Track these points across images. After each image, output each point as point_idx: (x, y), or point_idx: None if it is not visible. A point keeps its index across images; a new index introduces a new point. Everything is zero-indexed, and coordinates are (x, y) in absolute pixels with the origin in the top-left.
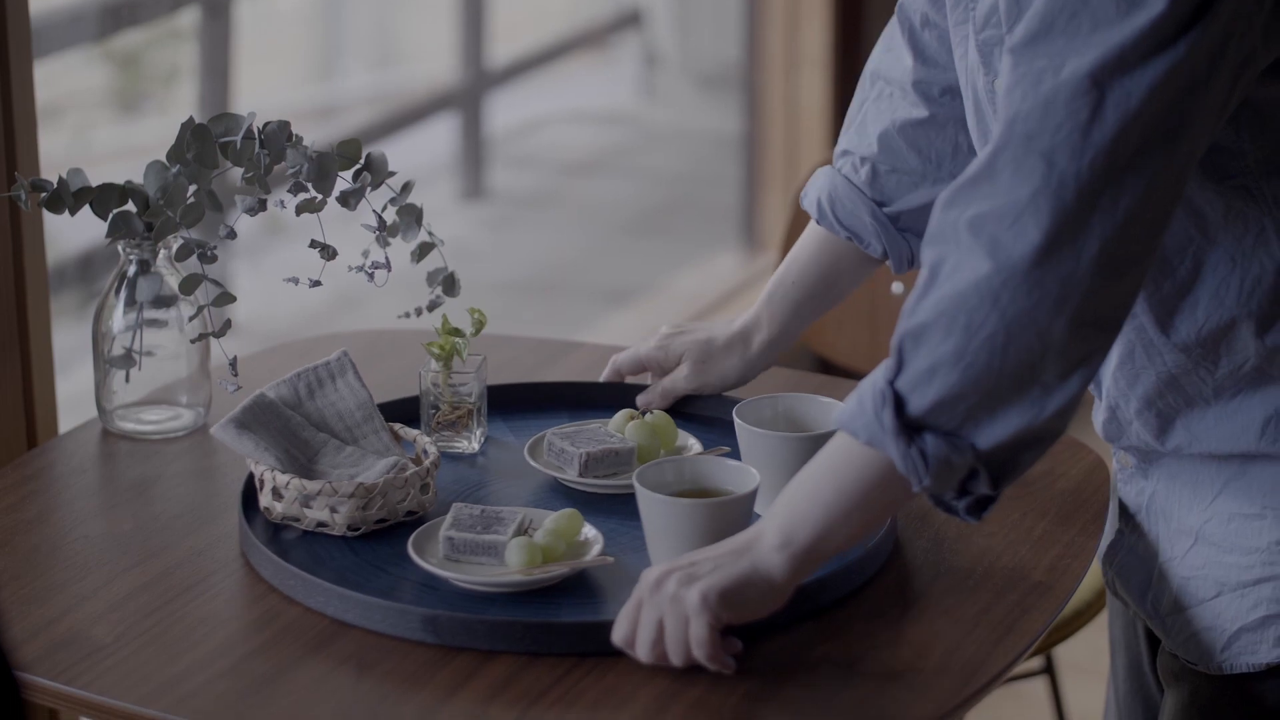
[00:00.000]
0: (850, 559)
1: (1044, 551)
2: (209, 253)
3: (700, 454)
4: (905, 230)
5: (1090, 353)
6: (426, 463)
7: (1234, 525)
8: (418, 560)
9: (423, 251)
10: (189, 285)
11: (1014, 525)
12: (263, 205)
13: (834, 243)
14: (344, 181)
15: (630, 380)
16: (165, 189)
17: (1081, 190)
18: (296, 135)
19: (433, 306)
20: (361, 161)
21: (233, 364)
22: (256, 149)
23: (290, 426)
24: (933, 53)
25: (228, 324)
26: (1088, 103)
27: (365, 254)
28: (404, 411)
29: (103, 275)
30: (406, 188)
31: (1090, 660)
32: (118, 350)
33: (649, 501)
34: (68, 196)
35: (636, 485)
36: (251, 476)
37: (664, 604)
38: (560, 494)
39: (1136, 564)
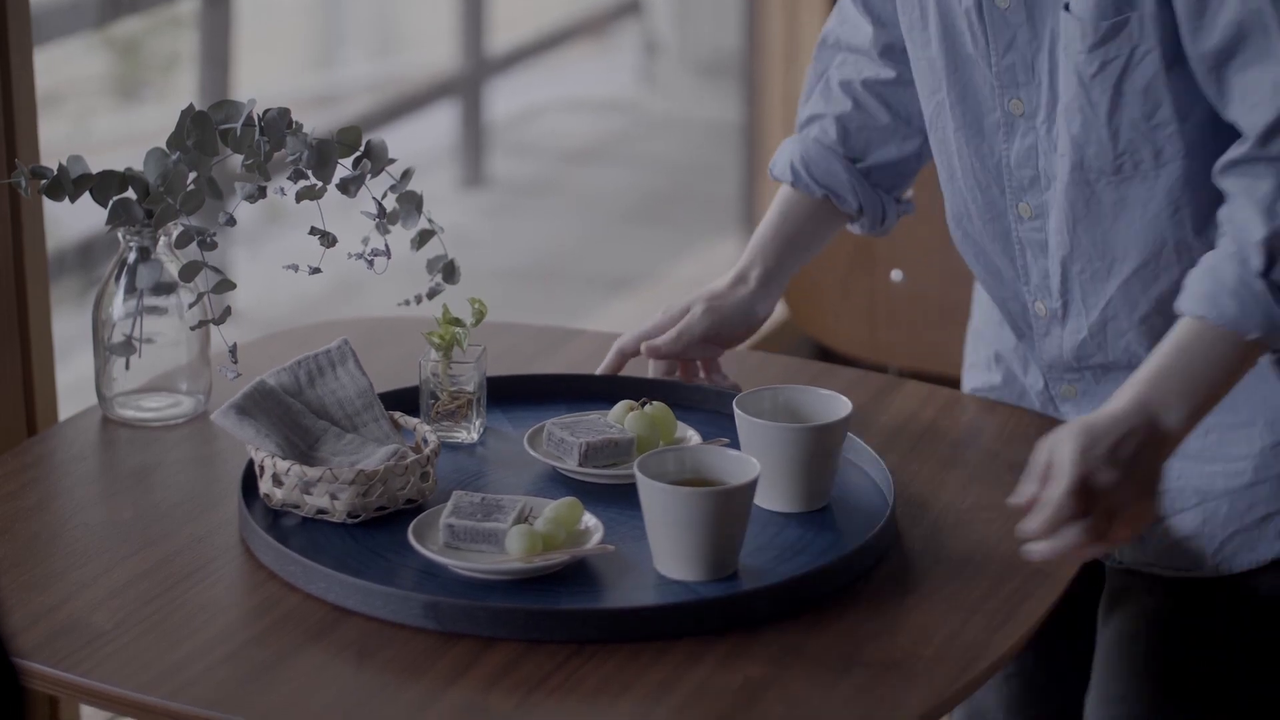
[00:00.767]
0: (849, 548)
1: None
2: (209, 240)
3: (701, 444)
4: (878, 186)
5: None
6: (426, 450)
7: (1214, 437)
8: (418, 547)
9: (423, 239)
10: (189, 272)
11: (1013, 512)
12: (263, 192)
13: (808, 202)
14: (344, 169)
15: (626, 374)
16: (165, 176)
17: None
18: (296, 122)
19: (432, 294)
20: (361, 149)
21: (233, 351)
22: (256, 136)
23: (290, 413)
24: (889, 16)
25: (228, 311)
26: None
27: (365, 241)
28: (403, 401)
29: (103, 262)
30: (406, 175)
31: None
32: (118, 337)
33: (650, 490)
34: (68, 183)
35: (638, 474)
36: (251, 463)
37: (1120, 493)
38: (559, 484)
39: None
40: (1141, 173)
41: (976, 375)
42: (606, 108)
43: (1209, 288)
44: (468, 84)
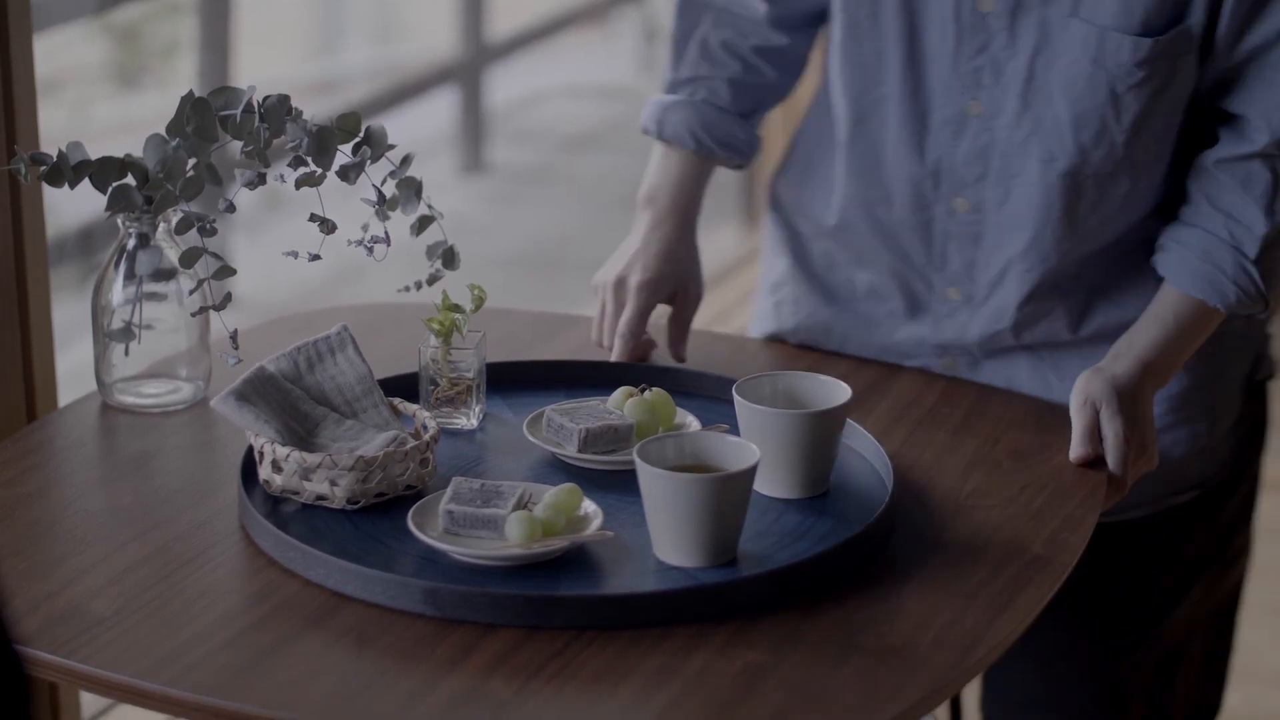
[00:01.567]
0: (849, 534)
1: (1042, 525)
2: (209, 226)
3: (700, 430)
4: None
5: None
6: (426, 437)
7: None
8: (418, 533)
9: (422, 225)
10: (189, 258)
11: (1012, 498)
12: (262, 179)
13: (699, 161)
14: (344, 155)
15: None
16: (165, 162)
17: None
18: (296, 109)
19: (432, 280)
20: (361, 135)
21: (233, 337)
22: (256, 123)
23: (290, 400)
24: None
25: (228, 297)
26: None
27: (365, 228)
28: (403, 387)
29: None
30: (406, 161)
31: None
32: (117, 324)
33: (650, 476)
34: (67, 170)
35: (637, 460)
36: (251, 449)
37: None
38: (559, 470)
39: None
40: (1136, 173)
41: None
42: (607, 94)
43: (1210, 274)
44: (468, 70)
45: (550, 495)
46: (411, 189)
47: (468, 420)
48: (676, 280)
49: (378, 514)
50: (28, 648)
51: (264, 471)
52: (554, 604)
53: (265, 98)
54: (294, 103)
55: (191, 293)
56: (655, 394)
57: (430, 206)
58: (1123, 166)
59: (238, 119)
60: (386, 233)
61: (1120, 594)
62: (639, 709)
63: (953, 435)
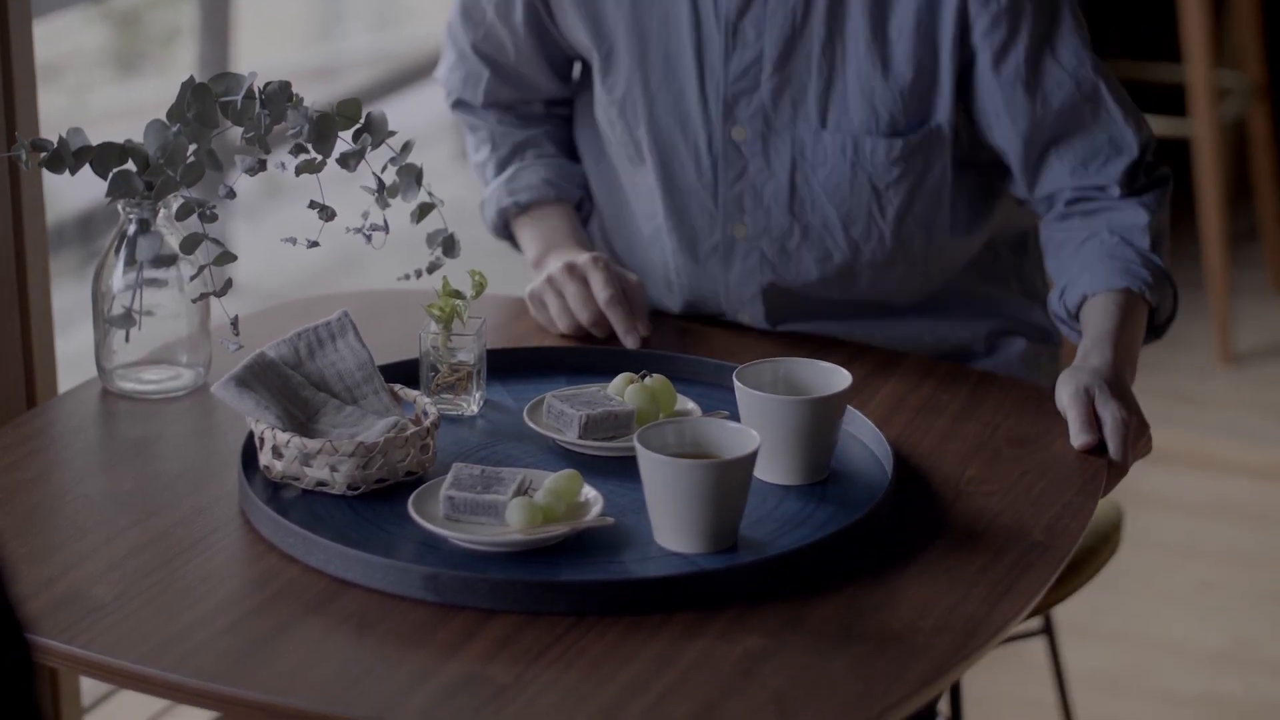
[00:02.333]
0: (849, 520)
1: (1043, 511)
2: (209, 212)
3: (701, 416)
4: None
5: None
6: (426, 423)
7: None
8: (418, 519)
9: (423, 212)
10: (189, 244)
11: (1012, 484)
12: (263, 165)
13: (564, 210)
14: (344, 142)
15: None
16: (165, 148)
17: None
18: (297, 95)
19: (433, 268)
20: (361, 122)
21: (234, 323)
22: (257, 109)
23: (290, 386)
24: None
25: (228, 283)
26: None
27: (365, 216)
28: (404, 373)
29: (102, 235)
30: (406, 148)
31: (1089, 621)
32: (117, 310)
33: (650, 462)
34: (68, 156)
35: (638, 446)
36: (251, 435)
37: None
38: (559, 456)
39: None
40: (910, 259)
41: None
42: None
43: (1120, 265)
44: None
45: (550, 481)
46: (412, 176)
47: (468, 406)
48: (616, 273)
49: (378, 500)
50: (28, 633)
51: (264, 457)
52: (554, 590)
53: (266, 84)
54: (294, 89)
55: (192, 279)
56: (656, 380)
57: (431, 194)
58: (895, 255)
59: (238, 105)
60: (385, 221)
61: None
62: (639, 694)
63: (953, 422)
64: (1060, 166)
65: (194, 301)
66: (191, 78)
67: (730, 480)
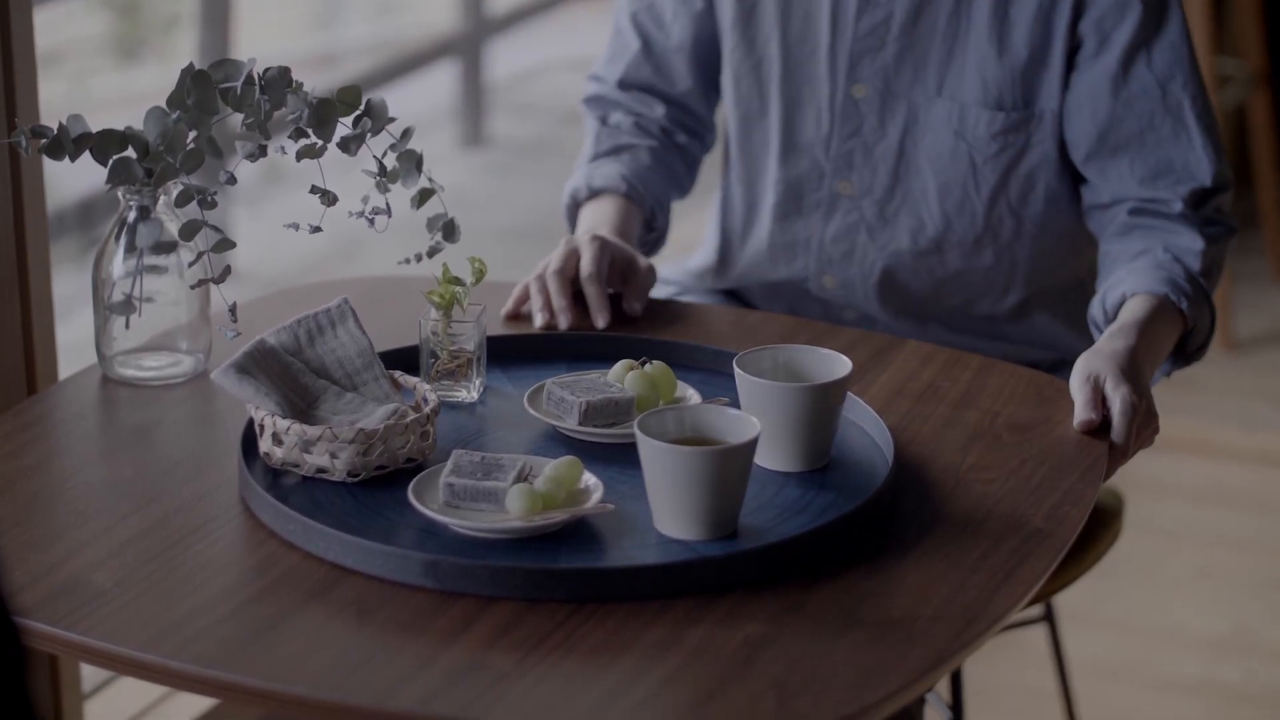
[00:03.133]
0: (849, 507)
1: (1043, 498)
2: (209, 198)
3: (701, 403)
4: None
5: None
6: (426, 409)
7: None
8: (418, 506)
9: (423, 197)
10: (189, 231)
11: (1013, 472)
12: (263, 151)
13: (626, 206)
14: (344, 128)
15: (627, 334)
16: (165, 135)
17: None
18: (297, 81)
19: (433, 253)
20: (361, 108)
21: (233, 310)
22: (257, 95)
23: (290, 372)
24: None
25: (228, 270)
26: None
27: (365, 200)
28: (404, 360)
29: (102, 221)
30: (406, 134)
31: (1090, 608)
32: (118, 296)
33: (651, 449)
34: (68, 143)
35: (638, 433)
36: (251, 422)
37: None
38: (559, 443)
39: None
40: (999, 246)
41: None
42: None
43: (1166, 276)
44: (468, 44)
45: (550, 468)
46: (412, 162)
47: (468, 393)
48: (625, 251)
49: (378, 487)
50: (28, 620)
51: (264, 444)
52: (554, 577)
53: (266, 70)
54: (294, 76)
55: (192, 265)
56: (656, 367)
57: (431, 180)
58: (985, 238)
59: (238, 92)
60: (387, 204)
61: None
62: (639, 681)
63: (953, 409)
64: (1129, 172)
65: (193, 288)
66: (191, 64)
67: (730, 467)
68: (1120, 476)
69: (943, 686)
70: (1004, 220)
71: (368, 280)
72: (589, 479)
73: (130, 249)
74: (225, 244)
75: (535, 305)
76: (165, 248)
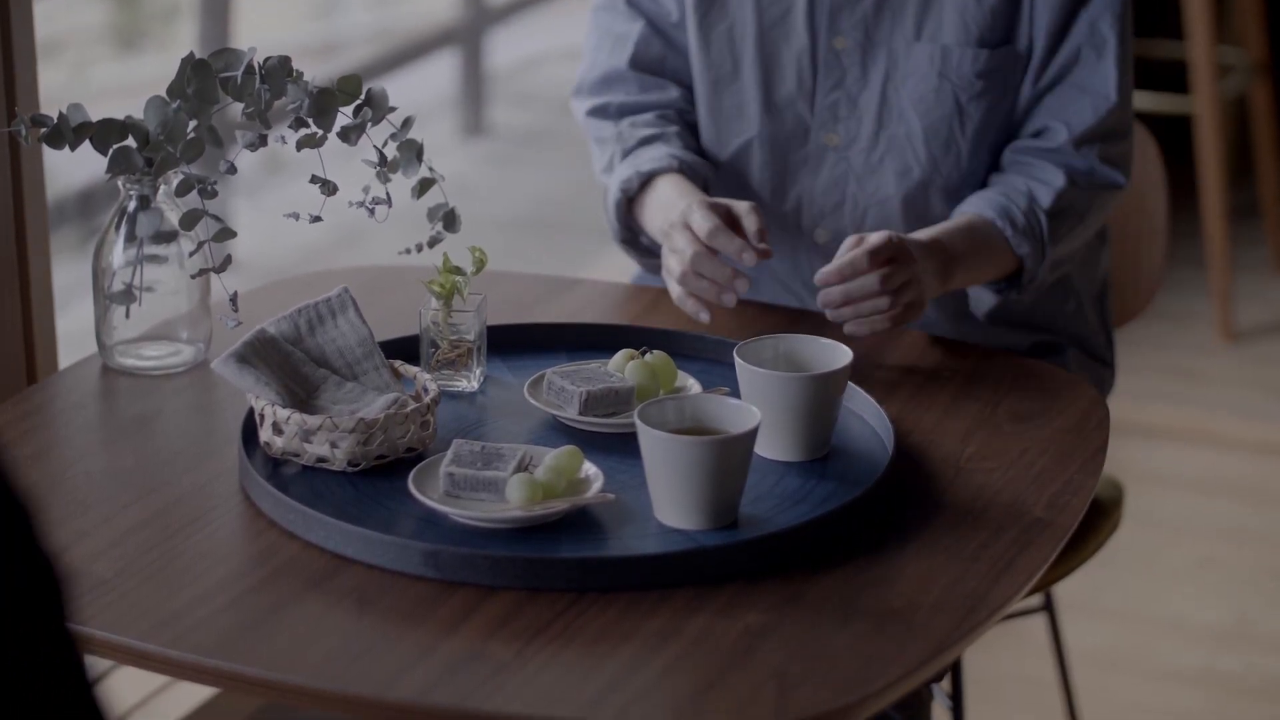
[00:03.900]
0: (849, 497)
1: (1043, 488)
2: (209, 188)
3: (701, 393)
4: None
5: None
6: (427, 399)
7: None
8: (418, 496)
9: (423, 187)
10: (189, 220)
11: (1013, 461)
12: (263, 140)
13: (682, 181)
14: (345, 117)
15: (627, 324)
16: (166, 124)
17: None
18: (297, 71)
19: (433, 243)
20: (362, 97)
21: (233, 299)
22: (257, 84)
23: (291, 362)
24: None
25: (228, 259)
26: None
27: (366, 190)
28: (404, 349)
29: (102, 211)
30: (407, 123)
31: (1090, 598)
32: (118, 286)
33: (651, 439)
34: (68, 132)
35: (638, 423)
36: (251, 411)
37: (900, 287)
38: (560, 432)
39: None
40: (975, 182)
41: None
42: None
43: (1003, 202)
44: (468, 33)
45: (551, 458)
46: (412, 151)
47: (468, 383)
48: (720, 204)
49: (378, 476)
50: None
51: (264, 434)
52: (554, 566)
53: (266, 59)
54: (294, 65)
55: (192, 255)
56: (656, 357)
57: (431, 169)
58: (968, 180)
59: (238, 81)
60: (388, 194)
61: None
62: (639, 671)
63: (953, 398)
64: (1047, 111)
65: (193, 278)
66: (191, 54)
67: (730, 457)
68: (1120, 467)
69: (943, 676)
70: (987, 164)
71: (368, 270)
72: (589, 468)
73: (130, 238)
74: (226, 233)
75: (690, 310)
76: (165, 237)
